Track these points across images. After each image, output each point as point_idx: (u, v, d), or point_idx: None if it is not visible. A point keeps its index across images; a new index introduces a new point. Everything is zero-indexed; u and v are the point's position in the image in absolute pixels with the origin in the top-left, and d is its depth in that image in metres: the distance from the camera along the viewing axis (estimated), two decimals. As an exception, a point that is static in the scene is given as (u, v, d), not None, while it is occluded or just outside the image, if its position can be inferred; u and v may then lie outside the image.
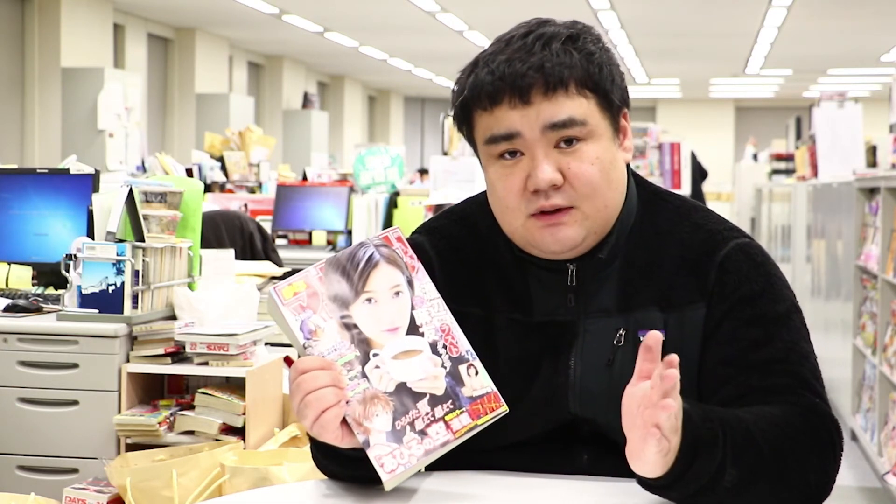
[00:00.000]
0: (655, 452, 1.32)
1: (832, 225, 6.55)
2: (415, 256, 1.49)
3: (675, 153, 7.33)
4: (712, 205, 14.28)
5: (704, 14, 13.02)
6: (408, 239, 1.66)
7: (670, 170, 7.32)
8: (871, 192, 5.39)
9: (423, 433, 1.42)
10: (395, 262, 1.48)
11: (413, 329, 1.46)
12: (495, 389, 1.45)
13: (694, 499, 1.39)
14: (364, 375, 1.43)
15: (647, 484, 1.39)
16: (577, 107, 1.52)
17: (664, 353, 1.54)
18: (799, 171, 9.26)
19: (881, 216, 4.99)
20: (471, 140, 1.61)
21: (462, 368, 1.45)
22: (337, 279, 1.46)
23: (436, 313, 1.47)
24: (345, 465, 1.50)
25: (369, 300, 1.46)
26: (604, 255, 1.58)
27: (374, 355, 1.44)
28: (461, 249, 1.65)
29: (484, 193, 1.69)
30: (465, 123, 1.59)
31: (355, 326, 1.45)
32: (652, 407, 1.31)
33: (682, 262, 1.57)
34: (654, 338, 1.35)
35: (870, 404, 5.34)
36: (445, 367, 1.44)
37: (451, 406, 1.43)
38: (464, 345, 1.46)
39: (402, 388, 1.43)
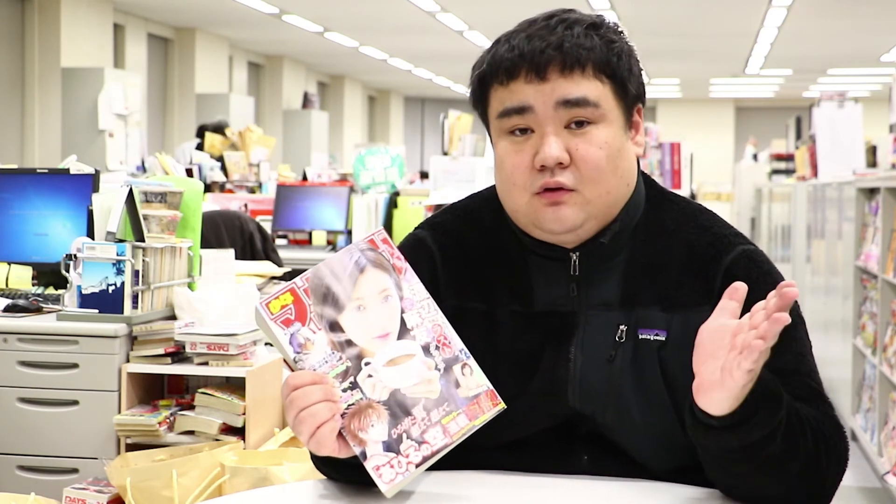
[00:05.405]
0: (747, 372, 1.32)
1: (832, 225, 6.55)
2: (402, 258, 1.46)
3: (675, 153, 7.33)
4: (712, 205, 14.26)
5: (704, 14, 13.01)
6: (410, 234, 1.66)
7: (670, 170, 7.31)
8: (871, 192, 5.39)
9: (420, 439, 1.40)
10: (381, 266, 1.45)
11: (404, 333, 1.43)
12: (491, 387, 1.43)
13: (741, 454, 1.39)
14: (357, 385, 1.41)
15: (703, 425, 1.39)
16: (593, 88, 1.53)
17: (664, 356, 1.54)
18: (799, 171, 9.26)
19: (881, 216, 4.99)
20: (484, 117, 1.61)
21: (456, 369, 1.43)
22: (324, 288, 1.43)
23: (427, 314, 1.44)
24: (344, 471, 1.50)
25: (358, 307, 1.43)
26: (605, 240, 1.57)
27: (366, 364, 1.41)
28: (464, 245, 1.64)
29: (488, 189, 1.69)
30: (481, 100, 1.60)
31: (345, 336, 1.42)
32: (749, 334, 1.32)
33: (688, 264, 1.57)
34: (742, 288, 1.39)
35: (870, 404, 5.34)
36: (439, 369, 1.42)
37: (448, 409, 1.41)
38: (457, 344, 1.44)
39: (396, 395, 1.41)
